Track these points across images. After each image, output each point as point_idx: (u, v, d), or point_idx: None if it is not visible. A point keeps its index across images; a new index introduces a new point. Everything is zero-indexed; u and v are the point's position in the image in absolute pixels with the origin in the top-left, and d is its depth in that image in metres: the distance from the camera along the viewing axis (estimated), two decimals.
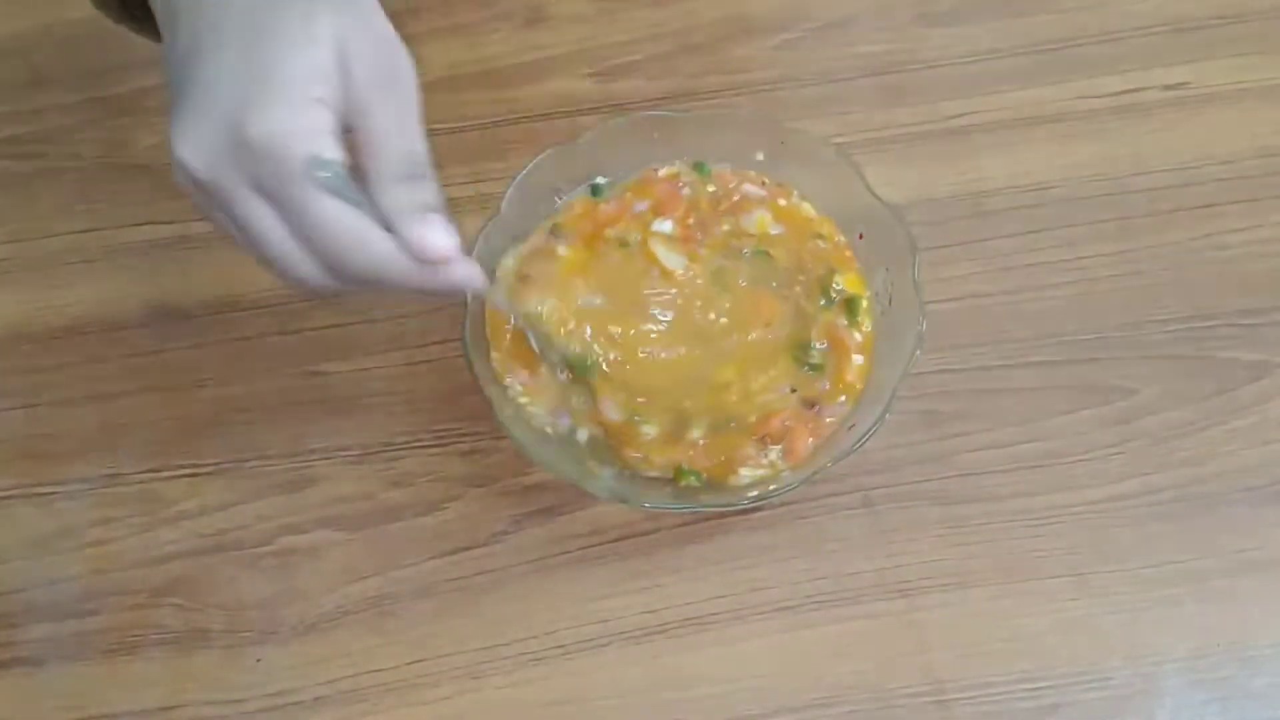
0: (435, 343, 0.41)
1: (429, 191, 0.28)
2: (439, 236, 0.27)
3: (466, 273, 0.29)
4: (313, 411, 0.40)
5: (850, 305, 0.37)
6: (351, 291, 0.29)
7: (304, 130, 0.26)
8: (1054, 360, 0.39)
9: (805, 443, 0.35)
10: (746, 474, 0.35)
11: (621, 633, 0.35)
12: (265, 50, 0.27)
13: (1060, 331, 0.40)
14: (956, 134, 0.43)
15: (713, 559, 0.36)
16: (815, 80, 0.45)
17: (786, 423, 0.36)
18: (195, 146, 0.26)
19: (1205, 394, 0.39)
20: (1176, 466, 0.37)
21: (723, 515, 0.37)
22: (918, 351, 0.35)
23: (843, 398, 0.36)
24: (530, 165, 0.38)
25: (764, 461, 0.35)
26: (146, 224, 0.43)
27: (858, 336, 0.37)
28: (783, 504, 0.37)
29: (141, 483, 0.39)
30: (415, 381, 0.40)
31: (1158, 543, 0.36)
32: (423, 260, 0.27)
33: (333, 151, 0.27)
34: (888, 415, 0.34)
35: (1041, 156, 0.43)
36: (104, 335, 0.41)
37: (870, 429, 0.34)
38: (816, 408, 0.36)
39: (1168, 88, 0.44)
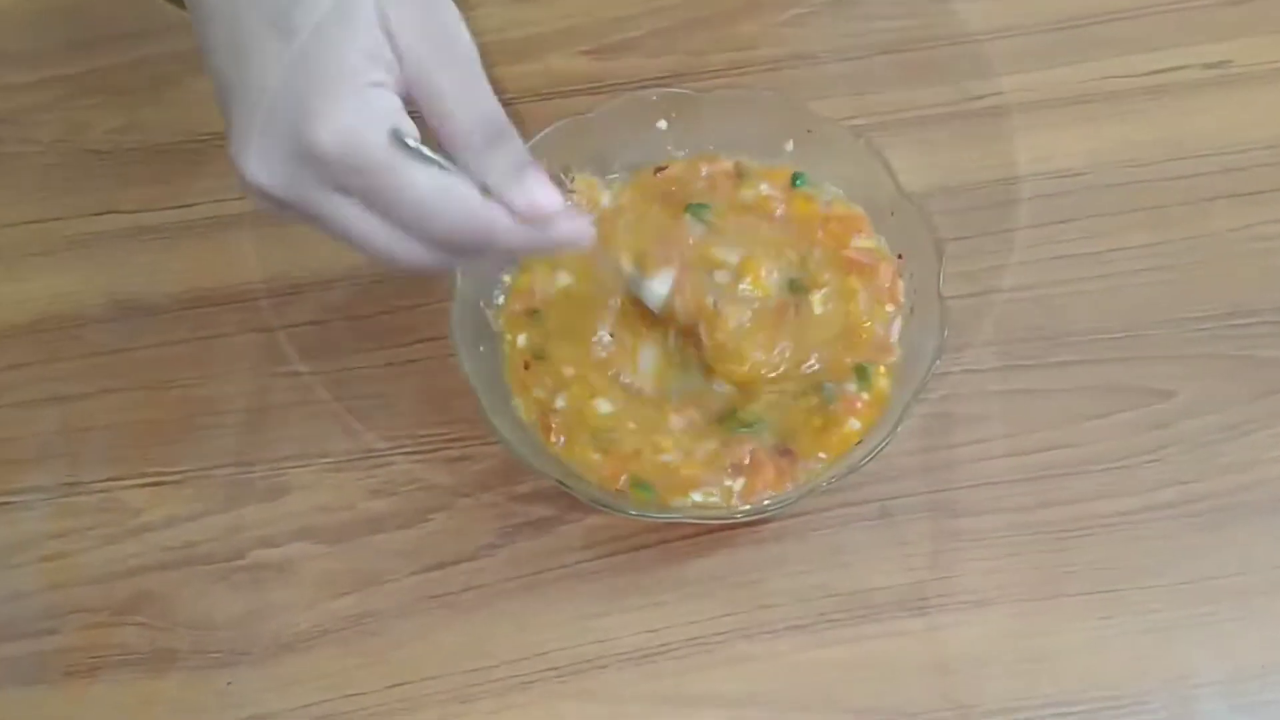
0: (420, 340, 0.40)
1: (517, 149, 0.28)
2: (544, 193, 0.28)
3: (575, 226, 0.29)
4: (289, 415, 0.39)
5: (861, 371, 0.36)
6: (455, 263, 0.30)
7: (373, 120, 0.26)
8: (1084, 360, 0.39)
9: (764, 489, 0.35)
10: (698, 497, 0.35)
11: (620, 654, 0.35)
12: (310, 45, 0.26)
13: (1090, 329, 0.39)
14: (979, 116, 0.43)
15: (718, 574, 0.36)
16: (829, 58, 0.44)
17: (759, 456, 0.35)
18: (267, 168, 0.27)
19: (1247, 396, 0.38)
20: (1217, 474, 0.37)
21: (730, 527, 0.37)
22: (937, 362, 0.35)
23: (822, 454, 0.35)
24: (538, 137, 0.38)
25: (718, 488, 0.35)
26: (109, 213, 0.43)
27: (865, 396, 0.36)
28: (793, 515, 0.37)
29: (104, 491, 0.38)
30: (399, 383, 0.39)
31: (1196, 556, 0.36)
32: (533, 219, 0.28)
33: (409, 126, 0.27)
34: (900, 427, 0.34)
35: (1070, 140, 0.42)
36: (63, 332, 0.41)
37: (878, 446, 0.34)
38: (790, 456, 0.35)
39: (1208, 66, 0.43)
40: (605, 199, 0.39)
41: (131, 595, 0.36)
